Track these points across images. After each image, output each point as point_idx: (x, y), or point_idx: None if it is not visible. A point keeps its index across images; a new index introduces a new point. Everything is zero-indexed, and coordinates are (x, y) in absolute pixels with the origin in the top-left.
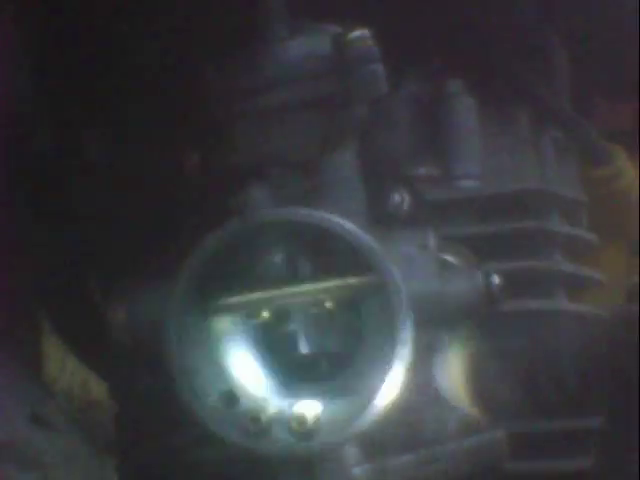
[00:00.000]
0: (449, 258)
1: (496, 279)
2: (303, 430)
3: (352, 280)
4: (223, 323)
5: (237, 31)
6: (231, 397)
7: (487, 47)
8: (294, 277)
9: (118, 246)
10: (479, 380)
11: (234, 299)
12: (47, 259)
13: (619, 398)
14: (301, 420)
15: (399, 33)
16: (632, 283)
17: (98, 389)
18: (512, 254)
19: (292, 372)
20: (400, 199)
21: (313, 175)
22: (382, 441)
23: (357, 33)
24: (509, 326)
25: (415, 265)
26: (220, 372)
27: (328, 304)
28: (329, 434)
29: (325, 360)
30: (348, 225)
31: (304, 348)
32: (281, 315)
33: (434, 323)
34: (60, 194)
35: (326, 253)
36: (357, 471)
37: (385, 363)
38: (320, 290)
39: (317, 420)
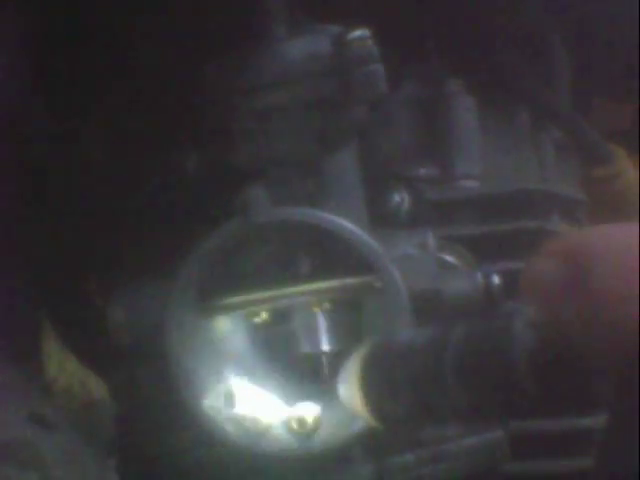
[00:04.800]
0: (449, 258)
1: (496, 279)
2: (303, 430)
3: (352, 280)
4: (223, 323)
5: (237, 31)
6: (231, 397)
7: (487, 47)
8: (294, 277)
9: (118, 246)
10: None
11: (234, 299)
12: (47, 259)
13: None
14: (301, 420)
15: (399, 33)
16: None
17: (98, 389)
18: (512, 254)
19: (292, 372)
20: (400, 199)
21: (313, 175)
22: (382, 441)
23: (357, 33)
24: None
25: (415, 265)
26: (220, 372)
27: (328, 304)
28: (329, 434)
29: (325, 360)
30: (348, 225)
31: (304, 348)
32: (281, 315)
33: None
34: (60, 193)
35: (326, 253)
36: (357, 471)
37: None
38: (320, 290)
39: (317, 420)
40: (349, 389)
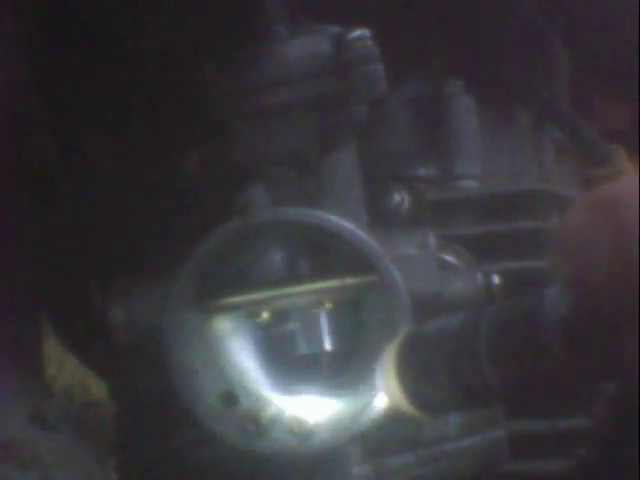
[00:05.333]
0: (449, 258)
1: (496, 279)
2: (303, 430)
3: (352, 280)
4: (223, 323)
5: (237, 31)
6: (231, 397)
7: (487, 47)
8: (294, 277)
9: (118, 246)
10: None
11: (234, 299)
12: (47, 259)
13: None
14: (301, 420)
15: (399, 33)
16: None
17: (98, 389)
18: (512, 254)
19: (292, 372)
20: (400, 199)
21: (313, 175)
22: (382, 441)
23: (357, 33)
24: None
25: (415, 265)
26: (220, 372)
27: (328, 304)
28: (329, 434)
29: (325, 360)
30: (348, 225)
31: (304, 348)
32: (281, 315)
33: None
34: (60, 194)
35: (326, 253)
36: (357, 471)
37: None
38: (320, 290)
39: (317, 420)
40: (387, 379)
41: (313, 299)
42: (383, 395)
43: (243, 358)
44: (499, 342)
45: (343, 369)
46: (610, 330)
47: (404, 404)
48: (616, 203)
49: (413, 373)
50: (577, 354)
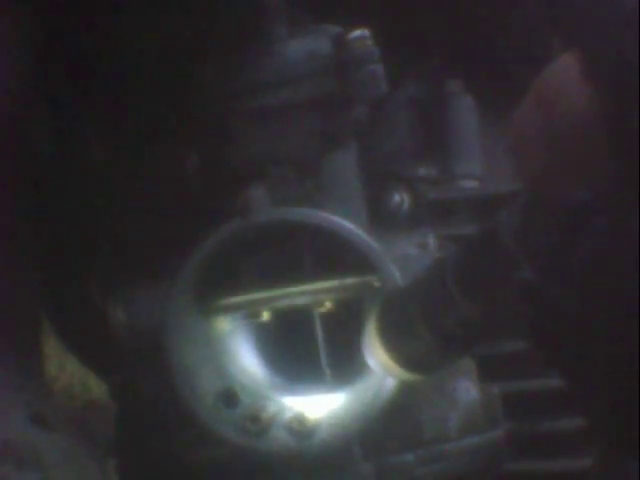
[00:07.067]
0: None
1: None
2: (303, 429)
3: (352, 280)
4: (223, 323)
5: (237, 31)
6: (231, 397)
7: (487, 47)
8: (294, 277)
9: (118, 246)
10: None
11: (234, 299)
12: (47, 259)
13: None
14: (301, 419)
15: (399, 33)
16: None
17: (98, 389)
18: None
19: (292, 371)
20: (400, 199)
21: (313, 175)
22: (382, 441)
23: (357, 33)
24: None
25: (415, 265)
26: (220, 372)
27: (328, 304)
28: (329, 433)
29: (325, 360)
30: (348, 225)
31: (304, 348)
32: (281, 315)
33: None
34: (60, 194)
35: (326, 253)
36: (357, 471)
37: None
38: (320, 290)
39: (317, 419)
40: (373, 349)
41: (313, 299)
42: (374, 369)
43: (243, 358)
44: (466, 272)
45: (343, 369)
46: (559, 226)
47: (394, 368)
48: (545, 90)
49: (394, 333)
50: (536, 258)
